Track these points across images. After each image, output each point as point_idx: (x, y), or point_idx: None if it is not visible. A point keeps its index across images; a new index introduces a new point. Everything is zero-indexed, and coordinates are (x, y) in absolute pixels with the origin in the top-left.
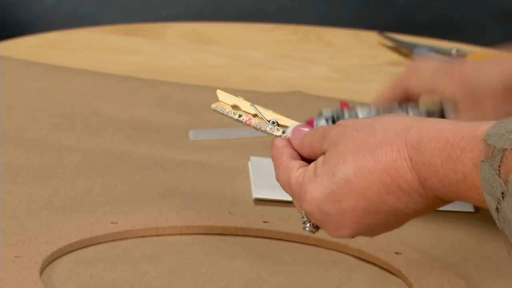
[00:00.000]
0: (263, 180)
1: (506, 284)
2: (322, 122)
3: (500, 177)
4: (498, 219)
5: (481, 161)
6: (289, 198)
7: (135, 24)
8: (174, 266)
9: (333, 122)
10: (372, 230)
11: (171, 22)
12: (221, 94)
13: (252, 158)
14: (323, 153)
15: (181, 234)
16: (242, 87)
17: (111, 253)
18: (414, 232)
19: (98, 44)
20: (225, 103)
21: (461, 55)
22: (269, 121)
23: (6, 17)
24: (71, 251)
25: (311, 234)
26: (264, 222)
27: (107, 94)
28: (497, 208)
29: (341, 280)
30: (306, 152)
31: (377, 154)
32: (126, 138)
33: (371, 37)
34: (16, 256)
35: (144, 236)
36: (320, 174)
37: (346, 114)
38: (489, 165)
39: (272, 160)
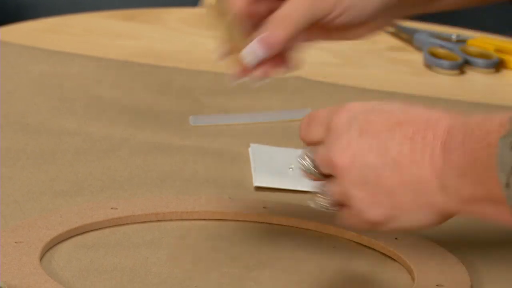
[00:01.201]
0: (263, 168)
1: (507, 269)
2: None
3: None
4: (509, 196)
5: (500, 138)
6: (289, 186)
7: (135, 9)
8: (175, 251)
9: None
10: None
11: (171, 7)
12: None
13: (252, 145)
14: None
15: (181, 219)
16: None
17: (111, 239)
18: None
19: (98, 29)
20: None
21: (461, 40)
22: None
23: (7, 1)
24: (71, 237)
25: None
26: (264, 207)
27: (107, 78)
28: (507, 184)
29: (342, 265)
30: None
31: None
32: (126, 123)
33: None
34: (16, 242)
35: (144, 222)
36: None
37: None
38: (508, 141)
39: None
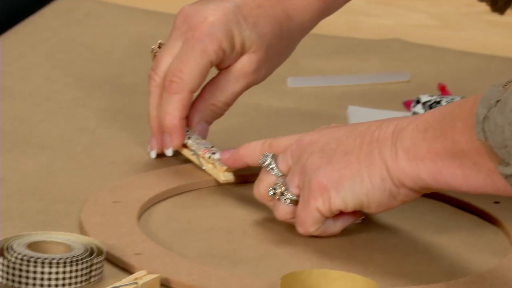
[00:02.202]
0: None
1: None
2: (419, 108)
3: (503, 88)
4: (483, 129)
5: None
6: None
7: None
8: (271, 213)
9: (430, 108)
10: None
11: None
12: None
13: (351, 107)
14: None
15: None
16: (340, 33)
17: (208, 199)
18: None
19: None
20: None
21: None
22: None
23: None
24: (168, 197)
25: None
26: None
27: None
28: (485, 117)
29: (439, 228)
30: None
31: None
32: None
33: None
34: (114, 202)
35: (242, 183)
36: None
37: (444, 101)
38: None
39: None
